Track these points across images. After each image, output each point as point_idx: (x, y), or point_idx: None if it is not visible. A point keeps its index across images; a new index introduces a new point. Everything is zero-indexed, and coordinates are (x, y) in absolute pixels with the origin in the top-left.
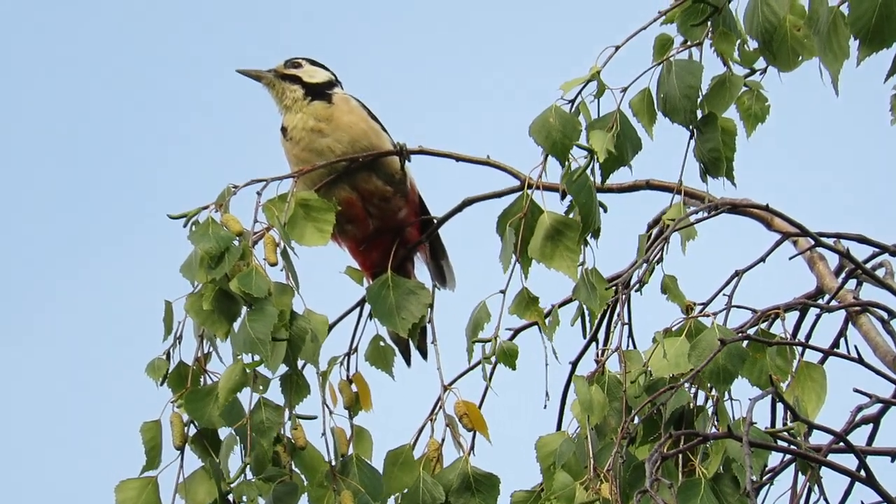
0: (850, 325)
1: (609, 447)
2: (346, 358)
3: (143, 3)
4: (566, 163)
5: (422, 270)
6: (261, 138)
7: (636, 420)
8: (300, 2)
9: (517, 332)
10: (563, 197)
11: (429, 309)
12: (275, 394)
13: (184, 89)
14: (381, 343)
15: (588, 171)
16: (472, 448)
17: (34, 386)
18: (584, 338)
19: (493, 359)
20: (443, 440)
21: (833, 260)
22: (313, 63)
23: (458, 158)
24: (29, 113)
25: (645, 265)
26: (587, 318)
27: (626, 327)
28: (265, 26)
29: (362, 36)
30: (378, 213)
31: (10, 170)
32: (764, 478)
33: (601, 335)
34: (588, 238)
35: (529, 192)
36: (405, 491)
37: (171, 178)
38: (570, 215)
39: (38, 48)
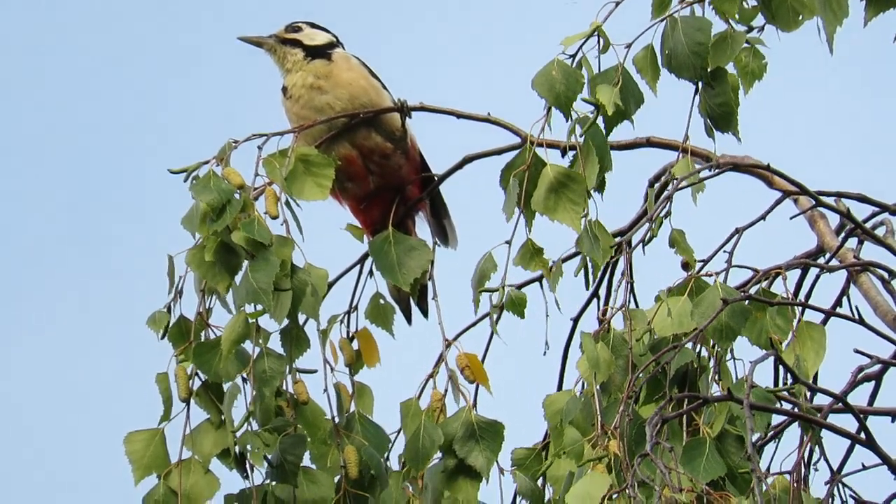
0: (851, 285)
1: (614, 405)
2: (347, 316)
3: None
4: (569, 116)
5: (423, 228)
6: (262, 102)
7: (641, 377)
8: None
9: (520, 287)
10: (563, 153)
11: (430, 265)
12: (275, 349)
13: (183, 55)
14: (382, 301)
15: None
16: (475, 401)
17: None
18: (587, 290)
19: (500, 307)
20: (445, 392)
21: (834, 219)
22: (314, 26)
23: (459, 115)
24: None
25: (648, 223)
26: (590, 270)
27: (630, 285)
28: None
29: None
30: (378, 171)
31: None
32: (768, 435)
33: (602, 292)
34: (593, 192)
35: (532, 145)
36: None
37: (170, 145)
38: (573, 168)
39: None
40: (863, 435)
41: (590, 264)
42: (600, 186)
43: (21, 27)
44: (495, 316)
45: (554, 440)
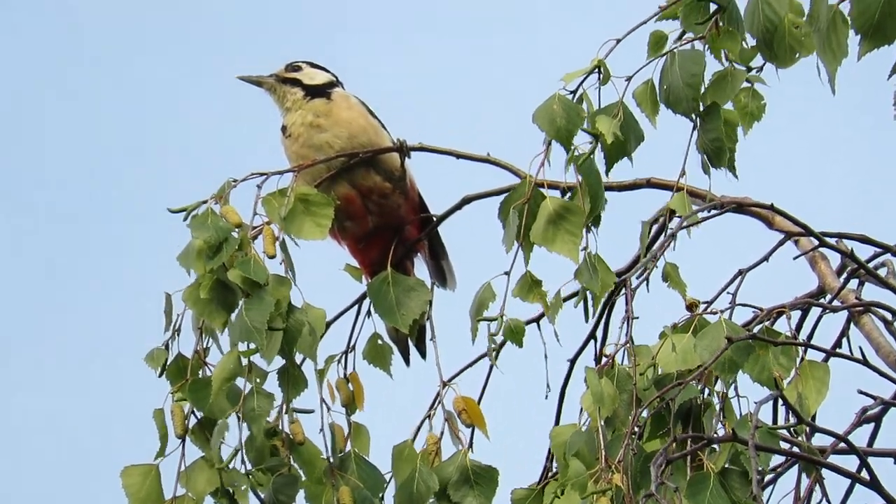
0: (851, 325)
1: (618, 439)
2: (344, 356)
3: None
4: (570, 150)
5: (421, 269)
6: (261, 142)
7: (645, 413)
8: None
9: (502, 345)
10: (563, 194)
11: (429, 306)
12: (273, 389)
13: (181, 93)
14: (380, 341)
15: (593, 158)
16: (470, 443)
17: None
18: (586, 321)
19: (498, 337)
20: (441, 435)
21: (834, 259)
22: (313, 66)
23: (459, 156)
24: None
25: (651, 261)
26: (590, 303)
27: (633, 322)
28: (265, 28)
29: (362, 37)
30: (377, 210)
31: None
32: (768, 476)
33: (599, 333)
34: (590, 225)
35: (531, 178)
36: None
37: (168, 184)
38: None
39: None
40: (866, 476)
41: (589, 297)
42: (595, 221)
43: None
44: (493, 345)
45: (560, 471)
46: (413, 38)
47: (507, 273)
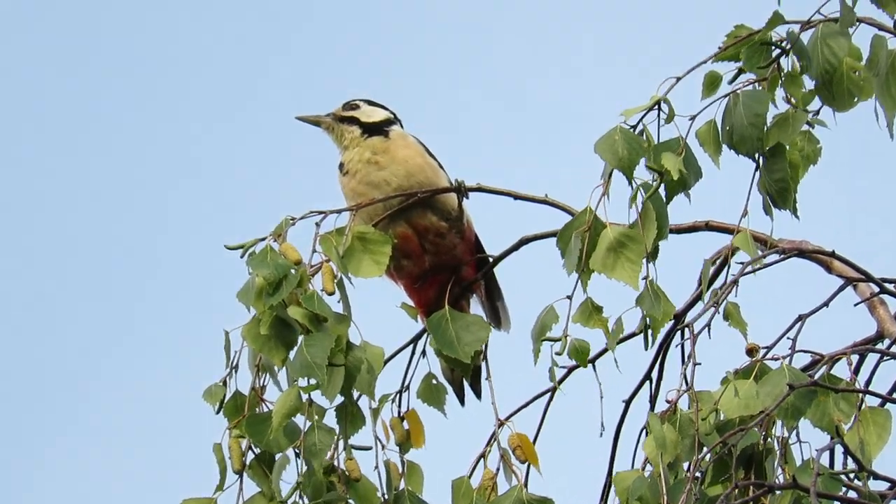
0: None
1: (680, 484)
2: (398, 395)
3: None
4: (632, 180)
5: (476, 310)
6: (318, 182)
7: (707, 458)
8: (353, 40)
9: (569, 372)
10: None
11: (485, 346)
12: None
13: (236, 132)
14: (434, 381)
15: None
16: (526, 480)
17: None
18: (646, 349)
19: (561, 359)
20: (497, 470)
21: (894, 303)
22: (371, 103)
23: (517, 197)
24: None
25: (714, 307)
26: (650, 331)
27: (694, 367)
28: (321, 65)
29: (423, 74)
30: (433, 249)
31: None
32: None
33: (654, 374)
34: (649, 256)
35: (593, 210)
36: None
37: (221, 222)
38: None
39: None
40: None
41: (649, 325)
42: (653, 255)
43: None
44: (556, 365)
45: None
46: (467, 80)
47: (569, 297)
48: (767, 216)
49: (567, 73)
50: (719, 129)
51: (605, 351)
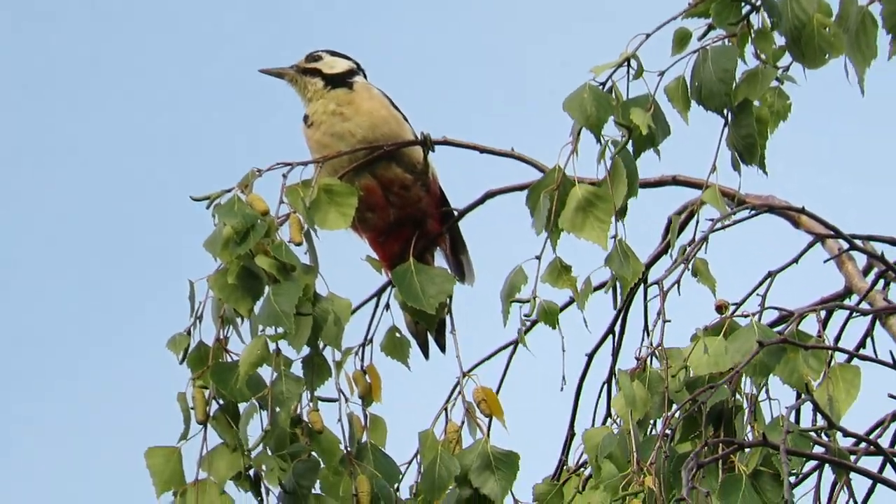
0: (877, 326)
1: (650, 441)
2: (362, 348)
3: None
4: (600, 138)
5: (441, 264)
6: (284, 135)
7: (677, 415)
8: None
9: (533, 324)
10: None
11: (450, 298)
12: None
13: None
14: (398, 334)
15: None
16: (488, 433)
17: None
18: (615, 308)
19: (529, 320)
20: (462, 424)
21: (861, 259)
22: (333, 54)
23: (482, 150)
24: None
25: (683, 264)
26: (619, 290)
27: (665, 324)
28: (288, 20)
29: (386, 27)
30: (398, 202)
31: None
32: (796, 478)
33: (617, 328)
34: (617, 214)
35: (561, 165)
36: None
37: (188, 174)
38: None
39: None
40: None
41: (618, 284)
42: (622, 213)
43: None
44: (525, 326)
45: (594, 472)
46: (436, 32)
47: (538, 257)
48: (736, 172)
49: (535, 29)
50: (688, 85)
51: (567, 304)
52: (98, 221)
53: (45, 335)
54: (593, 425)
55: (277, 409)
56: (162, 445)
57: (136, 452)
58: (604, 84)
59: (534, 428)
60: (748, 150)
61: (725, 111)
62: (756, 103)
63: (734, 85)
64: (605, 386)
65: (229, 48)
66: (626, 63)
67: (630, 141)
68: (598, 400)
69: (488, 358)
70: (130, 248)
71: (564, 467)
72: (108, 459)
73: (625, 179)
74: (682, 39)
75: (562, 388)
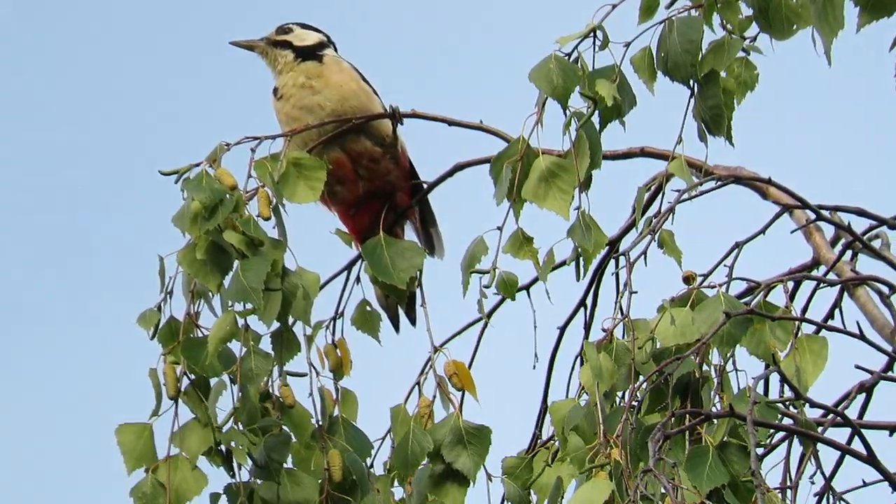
0: (845, 297)
1: (617, 413)
2: (332, 322)
3: None
4: (566, 108)
5: (411, 237)
6: (254, 107)
7: (644, 386)
8: None
9: (500, 302)
10: None
11: (420, 272)
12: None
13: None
14: (368, 308)
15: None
16: (460, 407)
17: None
18: (577, 280)
19: (490, 291)
20: (434, 398)
21: (829, 230)
22: (304, 27)
23: (451, 123)
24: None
25: (650, 235)
26: (581, 263)
27: (632, 296)
28: None
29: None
30: (367, 175)
31: None
32: (763, 449)
33: (589, 301)
34: (581, 186)
35: (525, 136)
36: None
37: (159, 148)
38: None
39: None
40: (862, 449)
41: (581, 256)
42: (586, 184)
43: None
44: (485, 297)
45: (561, 445)
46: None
47: (500, 228)
48: (703, 143)
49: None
50: (654, 56)
51: (536, 280)
52: (66, 196)
53: (16, 311)
54: (566, 398)
55: (247, 385)
56: (133, 422)
57: (109, 430)
58: (569, 55)
59: (508, 402)
60: (715, 121)
61: (692, 82)
62: (723, 74)
63: (700, 56)
64: (578, 359)
65: (198, 19)
66: (592, 34)
67: (596, 112)
68: (571, 373)
69: (460, 332)
70: (99, 223)
71: (537, 441)
72: (80, 438)
73: (588, 151)
74: (649, 8)
75: (534, 366)
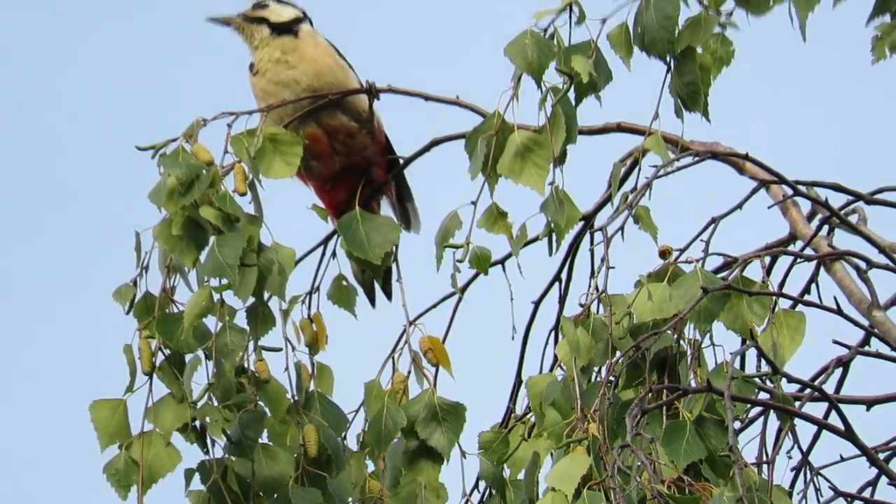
0: (822, 272)
1: (594, 388)
2: (308, 297)
3: None
4: (541, 84)
5: (387, 212)
6: (232, 84)
7: (621, 362)
8: None
9: (474, 278)
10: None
11: (396, 247)
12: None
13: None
14: (344, 282)
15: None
16: (435, 381)
17: None
18: (550, 255)
19: (463, 265)
20: (408, 374)
21: (805, 205)
22: (280, 1)
23: (427, 98)
24: None
25: (627, 211)
26: (554, 238)
27: (609, 271)
28: None
29: None
30: (343, 150)
31: None
32: (740, 424)
33: (563, 275)
34: (557, 161)
35: (501, 111)
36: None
37: (136, 123)
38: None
39: None
40: (839, 423)
41: (554, 231)
42: (561, 159)
43: None
44: (458, 272)
45: (538, 420)
46: None
47: (474, 203)
48: (679, 119)
49: None
50: (631, 31)
51: (509, 255)
52: (43, 171)
53: None
54: (541, 373)
55: (222, 361)
56: (107, 398)
57: (83, 406)
58: (545, 30)
59: (481, 376)
60: (691, 97)
61: (668, 58)
62: (699, 49)
63: (677, 32)
64: (553, 333)
65: None
66: (567, 9)
67: (571, 87)
68: (545, 348)
69: (433, 307)
70: (74, 198)
71: (512, 415)
72: (54, 414)
73: (563, 126)
74: None
75: (513, 338)
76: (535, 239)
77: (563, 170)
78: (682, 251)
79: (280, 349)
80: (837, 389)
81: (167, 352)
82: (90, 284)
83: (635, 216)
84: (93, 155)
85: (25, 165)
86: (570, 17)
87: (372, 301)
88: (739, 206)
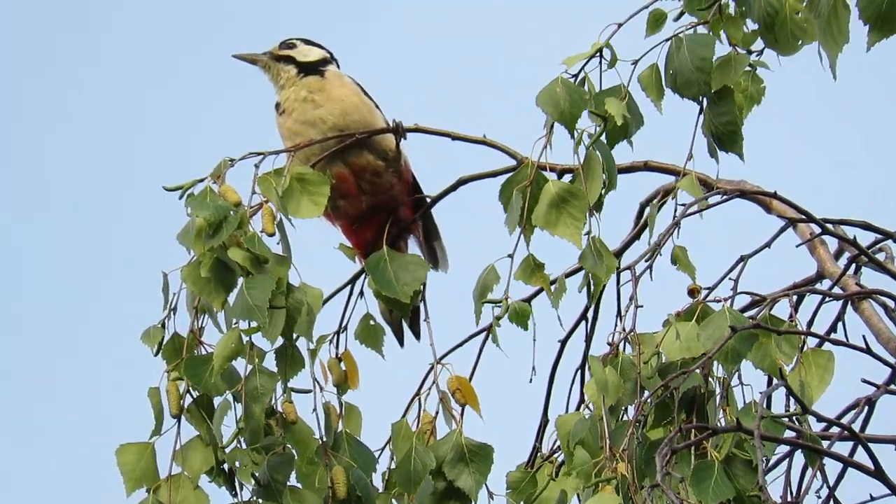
0: (848, 310)
1: (622, 427)
2: (336, 336)
3: None
4: (573, 133)
5: (414, 251)
6: (258, 123)
7: (649, 401)
8: None
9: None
10: (560, 177)
11: (424, 285)
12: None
13: (176, 71)
14: (372, 322)
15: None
16: (461, 422)
17: None
18: (589, 306)
19: (502, 321)
20: (436, 414)
21: (832, 243)
22: (308, 42)
23: (455, 137)
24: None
25: (656, 248)
26: (592, 287)
27: (637, 310)
28: (265, 6)
29: (360, 22)
30: (370, 189)
31: None
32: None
33: (590, 315)
34: (592, 209)
35: (533, 161)
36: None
37: (161, 164)
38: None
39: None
40: (868, 463)
41: (591, 281)
42: (598, 206)
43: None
44: (498, 326)
45: (567, 459)
46: (411, 25)
47: (511, 256)
48: (713, 159)
49: (509, 19)
50: (662, 73)
51: (539, 291)
52: (69, 211)
53: (18, 330)
54: (567, 412)
55: (252, 405)
56: (134, 442)
57: (111, 449)
58: (576, 76)
59: (508, 414)
60: (729, 136)
61: (701, 98)
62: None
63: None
64: (579, 372)
65: (201, 33)
66: (598, 53)
67: (605, 131)
68: (571, 386)
69: (460, 345)
70: (103, 239)
71: (538, 454)
72: (82, 457)
73: (599, 174)
74: (657, 21)
75: (531, 380)
76: (571, 273)
77: (599, 217)
78: (710, 290)
79: (309, 391)
80: (863, 428)
81: (195, 394)
82: (119, 325)
83: (672, 257)
84: (121, 194)
85: (55, 202)
86: (601, 61)
87: (400, 340)
88: (768, 244)
